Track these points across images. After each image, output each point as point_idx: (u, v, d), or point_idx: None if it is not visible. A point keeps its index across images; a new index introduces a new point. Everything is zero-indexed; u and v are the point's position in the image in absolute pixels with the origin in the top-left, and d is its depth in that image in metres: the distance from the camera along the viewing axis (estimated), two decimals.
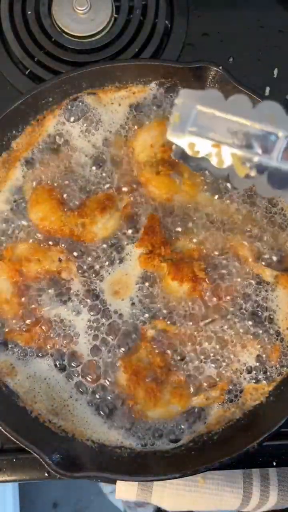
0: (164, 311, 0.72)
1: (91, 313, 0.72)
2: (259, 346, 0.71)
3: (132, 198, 0.74)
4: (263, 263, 0.73)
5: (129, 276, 0.73)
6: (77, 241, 0.73)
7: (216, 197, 0.75)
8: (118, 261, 0.73)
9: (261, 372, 0.71)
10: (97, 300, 0.72)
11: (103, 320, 0.72)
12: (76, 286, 0.73)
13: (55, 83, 0.74)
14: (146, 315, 0.72)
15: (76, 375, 0.70)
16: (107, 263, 0.73)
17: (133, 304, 0.72)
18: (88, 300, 0.72)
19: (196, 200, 0.75)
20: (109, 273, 0.73)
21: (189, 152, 0.59)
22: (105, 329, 0.71)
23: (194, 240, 0.74)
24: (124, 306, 0.72)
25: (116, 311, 0.72)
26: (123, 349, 0.71)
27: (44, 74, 0.88)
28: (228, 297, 0.72)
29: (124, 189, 0.75)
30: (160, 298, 0.72)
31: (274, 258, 0.73)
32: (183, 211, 0.74)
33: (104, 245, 0.74)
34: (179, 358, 0.71)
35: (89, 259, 0.73)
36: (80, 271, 0.73)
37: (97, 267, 0.73)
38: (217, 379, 0.70)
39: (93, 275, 0.73)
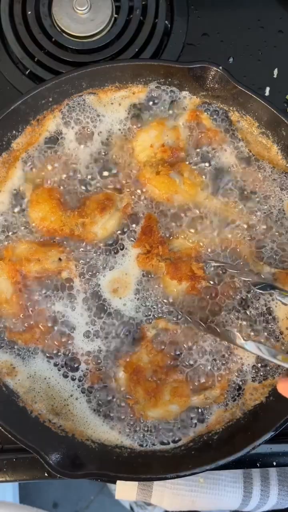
0: (165, 311, 0.72)
1: (92, 312, 0.72)
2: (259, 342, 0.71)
3: (132, 198, 0.75)
4: (262, 261, 0.73)
5: (128, 276, 0.73)
6: (77, 241, 0.73)
7: (216, 196, 0.75)
8: (118, 260, 0.73)
9: (261, 372, 0.71)
10: (97, 300, 0.72)
11: (104, 319, 0.72)
12: (76, 286, 0.73)
13: (55, 83, 0.74)
14: (146, 314, 0.72)
15: (76, 374, 0.71)
16: (107, 262, 0.73)
17: (133, 303, 0.72)
18: (88, 300, 0.72)
19: (195, 199, 0.75)
20: (109, 273, 0.73)
21: None
22: (105, 328, 0.71)
23: (193, 239, 0.74)
24: (124, 305, 0.72)
25: (117, 310, 0.72)
26: (123, 348, 0.71)
27: (44, 74, 0.88)
28: (228, 296, 0.72)
29: (124, 189, 0.75)
30: (160, 297, 0.72)
31: (273, 256, 0.73)
32: (182, 210, 0.74)
33: (104, 245, 0.74)
34: (179, 357, 0.71)
35: (89, 258, 0.73)
36: (80, 271, 0.73)
37: (97, 266, 0.73)
38: (217, 379, 0.70)
39: (94, 275, 0.73)
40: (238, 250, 0.73)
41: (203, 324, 0.68)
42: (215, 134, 0.76)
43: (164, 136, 0.75)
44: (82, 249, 0.73)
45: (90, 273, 0.73)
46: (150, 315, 0.72)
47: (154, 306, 0.72)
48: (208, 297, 0.72)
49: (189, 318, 0.70)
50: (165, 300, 0.72)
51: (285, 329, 0.72)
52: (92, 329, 0.71)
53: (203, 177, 0.75)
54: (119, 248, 0.74)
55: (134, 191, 0.75)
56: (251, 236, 0.74)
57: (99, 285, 0.73)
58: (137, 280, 0.73)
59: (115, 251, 0.73)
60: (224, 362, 0.71)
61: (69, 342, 0.71)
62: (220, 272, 0.73)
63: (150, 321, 0.72)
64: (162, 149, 0.75)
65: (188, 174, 0.74)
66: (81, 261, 0.73)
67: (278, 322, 0.72)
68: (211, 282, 0.72)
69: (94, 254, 0.73)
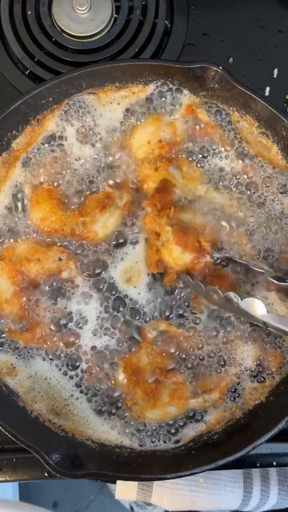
0: (166, 312, 0.72)
1: (92, 313, 0.72)
2: (259, 346, 0.71)
3: (131, 196, 0.74)
4: (261, 258, 0.73)
5: (140, 263, 0.73)
6: (78, 240, 0.73)
7: (215, 190, 0.75)
8: (129, 251, 0.73)
9: (261, 372, 0.70)
10: (98, 300, 0.72)
11: (104, 319, 0.72)
12: (75, 286, 0.72)
13: (55, 83, 0.74)
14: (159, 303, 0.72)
15: (76, 374, 0.70)
16: (107, 262, 0.73)
17: (147, 293, 0.72)
18: (89, 300, 0.72)
19: (195, 193, 0.74)
20: (110, 273, 0.73)
21: None
22: (105, 328, 0.71)
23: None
24: (139, 294, 0.72)
25: (116, 308, 0.72)
26: (123, 349, 0.71)
27: (44, 74, 0.88)
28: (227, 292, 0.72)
29: (124, 186, 0.75)
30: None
31: (271, 257, 0.73)
32: (182, 206, 0.74)
33: (105, 244, 0.74)
34: (179, 360, 0.71)
35: (90, 257, 0.73)
36: (81, 270, 0.73)
37: (96, 266, 0.73)
38: (217, 383, 0.70)
39: (93, 275, 0.73)
40: (235, 248, 0.73)
41: (202, 286, 0.65)
42: (213, 128, 0.76)
43: (161, 132, 0.75)
44: (83, 248, 0.73)
45: (90, 273, 0.73)
46: (153, 314, 0.72)
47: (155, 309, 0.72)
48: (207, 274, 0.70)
49: (190, 279, 0.67)
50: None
51: None
52: (92, 329, 0.71)
53: (202, 171, 0.75)
54: (119, 248, 0.73)
55: (133, 188, 0.75)
56: (249, 233, 0.74)
57: (100, 285, 0.73)
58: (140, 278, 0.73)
59: (115, 251, 0.73)
60: (224, 365, 0.71)
61: (69, 341, 0.71)
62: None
63: (151, 323, 0.71)
64: (160, 145, 0.75)
65: (187, 169, 0.74)
66: (82, 260, 0.73)
67: None
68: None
69: (95, 253, 0.73)
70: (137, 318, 0.72)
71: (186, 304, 0.72)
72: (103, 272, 0.73)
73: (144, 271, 0.73)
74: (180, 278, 0.70)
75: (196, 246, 0.68)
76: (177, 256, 0.70)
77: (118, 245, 0.74)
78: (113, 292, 0.72)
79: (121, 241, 0.74)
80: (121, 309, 0.72)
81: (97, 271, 0.73)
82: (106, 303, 0.72)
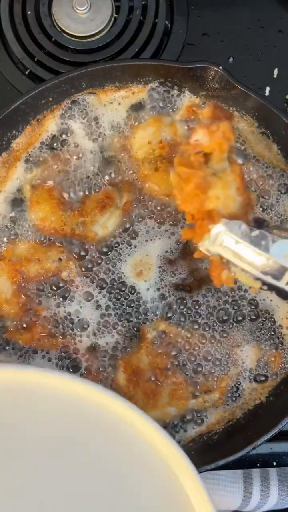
0: (169, 312, 0.72)
1: (92, 313, 0.72)
2: (259, 346, 0.71)
3: (131, 196, 0.74)
4: None
5: (150, 257, 0.73)
6: (78, 240, 0.73)
7: None
8: (117, 260, 0.73)
9: (261, 372, 0.71)
10: (98, 301, 0.72)
11: (104, 320, 0.72)
12: (76, 286, 0.72)
13: (55, 83, 0.74)
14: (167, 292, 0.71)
15: (76, 375, 0.70)
16: (107, 262, 0.73)
17: (156, 284, 0.73)
18: (89, 300, 0.72)
19: None
20: (109, 272, 0.73)
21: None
22: (105, 329, 0.71)
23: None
24: (148, 290, 0.72)
25: (117, 308, 0.72)
26: (123, 349, 0.71)
27: (44, 74, 0.88)
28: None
29: (124, 186, 0.75)
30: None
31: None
32: None
33: (104, 244, 0.74)
34: (179, 360, 0.71)
35: (90, 257, 0.73)
36: (80, 271, 0.73)
37: (96, 266, 0.73)
38: (217, 383, 0.70)
39: (93, 275, 0.73)
40: None
41: (269, 236, 0.55)
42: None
43: (162, 132, 0.75)
44: (83, 248, 0.73)
45: (90, 273, 0.73)
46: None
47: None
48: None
49: (246, 226, 0.53)
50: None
51: (285, 328, 0.72)
52: (92, 329, 0.71)
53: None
54: (118, 248, 0.73)
55: (133, 188, 0.75)
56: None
57: (99, 285, 0.73)
58: (160, 260, 0.73)
59: (114, 251, 0.73)
60: (224, 366, 0.71)
61: (69, 341, 0.71)
62: None
63: (151, 322, 0.72)
64: (160, 146, 0.75)
65: None
66: (82, 260, 0.73)
67: (277, 321, 0.72)
68: None
69: (95, 253, 0.73)
70: (139, 318, 0.72)
71: (187, 303, 0.72)
72: (104, 271, 0.73)
73: (155, 264, 0.73)
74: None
75: (249, 197, 0.54)
76: (232, 195, 0.53)
77: (124, 240, 0.74)
78: (117, 290, 0.72)
79: (127, 235, 0.73)
80: (122, 308, 0.72)
81: (98, 270, 0.73)
82: (107, 303, 0.72)
